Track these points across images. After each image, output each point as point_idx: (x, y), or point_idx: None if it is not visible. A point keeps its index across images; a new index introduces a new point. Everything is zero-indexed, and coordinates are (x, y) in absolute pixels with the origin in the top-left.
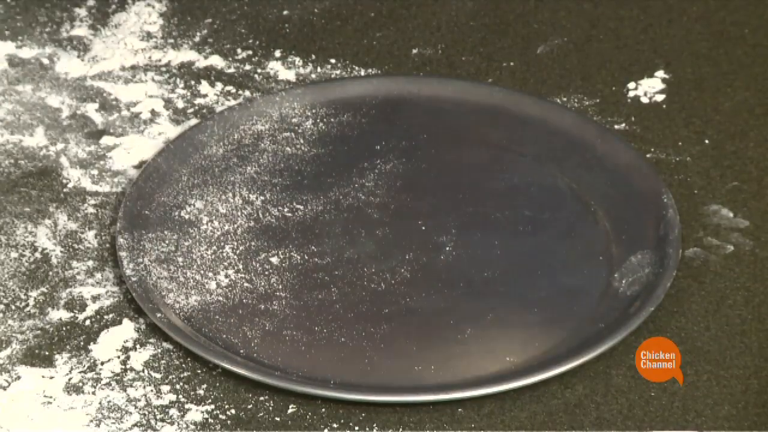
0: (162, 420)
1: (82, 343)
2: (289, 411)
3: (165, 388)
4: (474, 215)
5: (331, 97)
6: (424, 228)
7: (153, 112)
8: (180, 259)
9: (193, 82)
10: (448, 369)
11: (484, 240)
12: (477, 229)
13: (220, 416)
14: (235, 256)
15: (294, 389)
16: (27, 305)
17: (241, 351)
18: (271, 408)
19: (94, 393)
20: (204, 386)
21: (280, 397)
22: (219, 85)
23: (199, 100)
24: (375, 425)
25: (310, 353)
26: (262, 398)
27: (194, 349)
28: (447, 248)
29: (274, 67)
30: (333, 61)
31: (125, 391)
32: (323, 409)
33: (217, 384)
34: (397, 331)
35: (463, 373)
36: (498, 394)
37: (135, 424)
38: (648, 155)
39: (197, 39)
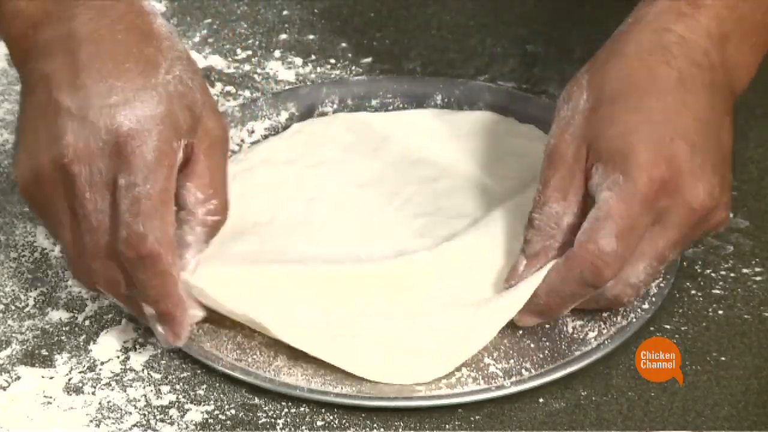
0: (162, 420)
1: (81, 343)
2: (290, 411)
3: (165, 388)
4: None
5: (330, 98)
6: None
7: None
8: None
9: None
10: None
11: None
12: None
13: (220, 416)
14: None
15: (291, 394)
16: (27, 305)
17: (240, 355)
18: (271, 408)
19: (93, 393)
20: (204, 386)
21: (280, 397)
22: (219, 85)
23: None
24: (375, 425)
25: (309, 358)
26: (262, 399)
27: (194, 354)
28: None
29: (274, 67)
30: (333, 61)
31: (125, 391)
32: (323, 409)
33: (217, 384)
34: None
35: (461, 376)
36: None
37: (135, 425)
38: None
39: (197, 39)
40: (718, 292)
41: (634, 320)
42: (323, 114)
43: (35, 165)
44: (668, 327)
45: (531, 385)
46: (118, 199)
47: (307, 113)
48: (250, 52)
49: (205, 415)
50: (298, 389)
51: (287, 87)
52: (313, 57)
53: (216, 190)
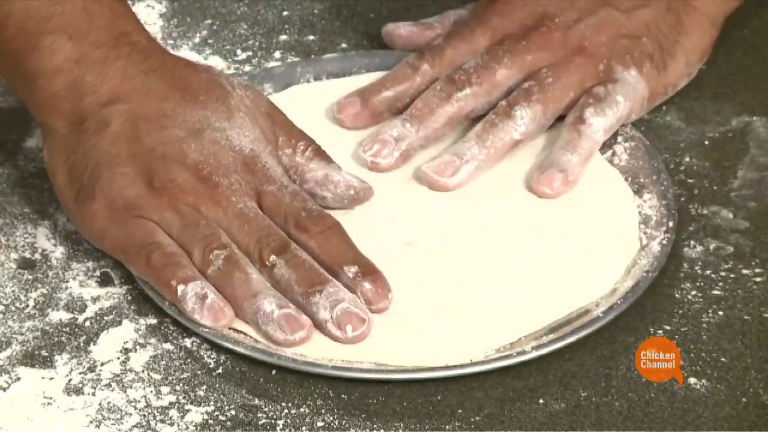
0: (162, 421)
1: (81, 344)
2: (290, 412)
3: (165, 389)
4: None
5: (305, 76)
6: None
7: None
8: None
9: None
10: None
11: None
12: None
13: (220, 417)
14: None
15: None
16: (27, 306)
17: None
18: (271, 409)
19: (93, 394)
20: (204, 387)
21: (279, 398)
22: None
23: None
24: (375, 425)
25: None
26: (262, 400)
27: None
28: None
29: None
30: None
31: (125, 392)
32: (323, 410)
33: (217, 385)
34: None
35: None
36: (497, 395)
37: (135, 425)
38: None
39: (197, 40)
40: (718, 293)
41: (636, 313)
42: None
43: (137, 190)
44: (668, 328)
45: (536, 354)
46: (273, 200)
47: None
48: (250, 53)
49: (205, 416)
50: (321, 367)
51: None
52: (313, 58)
53: (301, 131)
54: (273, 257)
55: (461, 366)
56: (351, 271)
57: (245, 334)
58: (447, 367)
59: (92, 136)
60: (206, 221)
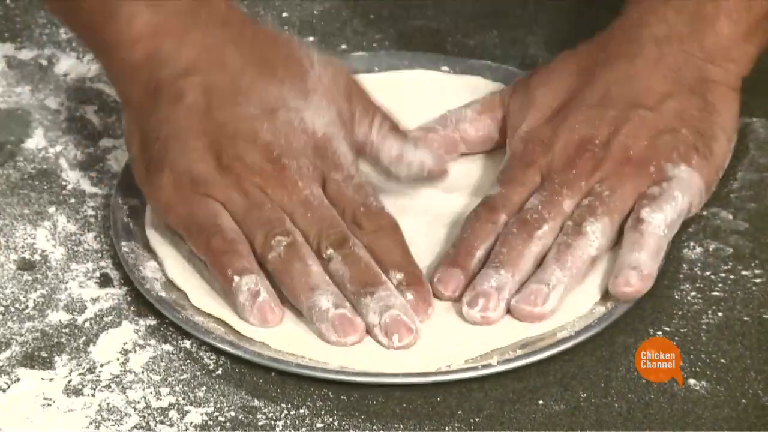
0: (161, 422)
1: (81, 345)
2: (289, 413)
3: (164, 390)
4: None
5: None
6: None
7: None
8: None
9: None
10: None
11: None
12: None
13: (220, 418)
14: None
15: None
16: (26, 307)
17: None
18: (270, 410)
19: (93, 395)
20: (203, 388)
21: (279, 399)
22: None
23: None
24: (375, 426)
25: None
26: (261, 401)
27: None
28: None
29: None
30: None
31: (125, 393)
32: (323, 411)
33: (217, 386)
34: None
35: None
36: (497, 396)
37: (134, 426)
38: None
39: None
40: (717, 294)
41: (636, 313)
42: None
43: (206, 166)
44: (668, 329)
45: (517, 364)
46: (336, 189)
47: None
48: None
49: (205, 417)
50: (318, 371)
51: None
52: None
53: (379, 107)
54: (330, 251)
55: (424, 374)
56: (396, 277)
57: (231, 329)
58: (411, 375)
59: (166, 107)
60: (272, 204)
